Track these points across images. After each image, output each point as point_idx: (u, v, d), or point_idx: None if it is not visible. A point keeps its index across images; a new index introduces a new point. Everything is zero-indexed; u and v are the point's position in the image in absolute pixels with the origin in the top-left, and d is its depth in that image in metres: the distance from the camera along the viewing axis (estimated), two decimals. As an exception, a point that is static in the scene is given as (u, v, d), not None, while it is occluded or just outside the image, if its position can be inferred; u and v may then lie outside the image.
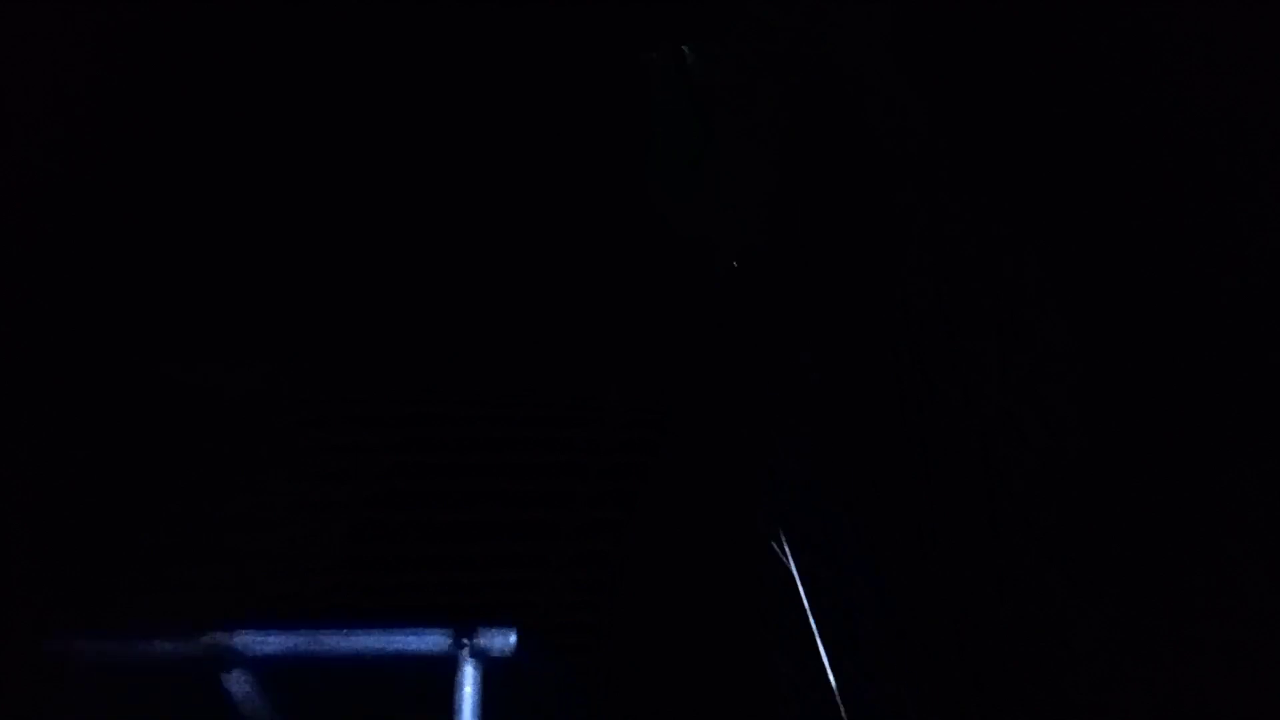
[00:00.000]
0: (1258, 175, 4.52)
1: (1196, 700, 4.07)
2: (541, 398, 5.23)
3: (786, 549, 4.77)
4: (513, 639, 2.04)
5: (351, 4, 5.31)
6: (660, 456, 5.02)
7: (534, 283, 5.28)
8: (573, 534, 4.87)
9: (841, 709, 4.24)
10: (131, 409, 5.09)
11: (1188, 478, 4.53)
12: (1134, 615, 4.34)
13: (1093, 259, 4.81)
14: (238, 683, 2.03)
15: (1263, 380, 4.53)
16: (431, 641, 2.06)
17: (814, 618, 4.46)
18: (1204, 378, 4.60)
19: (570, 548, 4.83)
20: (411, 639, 2.08)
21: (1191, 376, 4.62)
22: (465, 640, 2.04)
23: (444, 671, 2.02)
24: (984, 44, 4.98)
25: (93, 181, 5.21)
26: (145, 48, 5.23)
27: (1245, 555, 4.37)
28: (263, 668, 2.02)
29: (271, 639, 2.05)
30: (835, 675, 4.36)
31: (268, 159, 5.27)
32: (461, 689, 2.04)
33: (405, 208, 5.29)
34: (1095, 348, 4.76)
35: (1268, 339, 4.54)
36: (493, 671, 2.02)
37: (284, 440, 5.11)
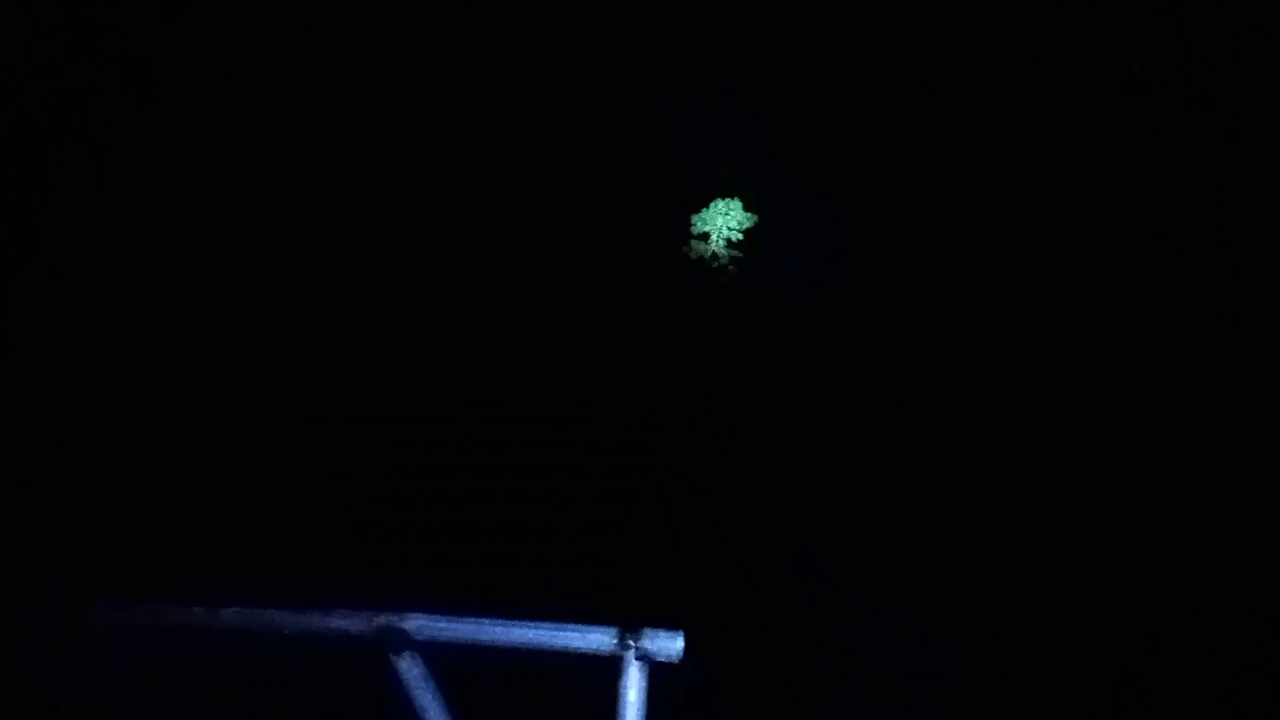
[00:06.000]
0: (1258, 175, 4.53)
1: (1196, 700, 4.07)
2: (541, 398, 5.22)
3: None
4: (679, 642, 2.00)
5: (353, 7, 5.31)
6: (661, 457, 5.02)
7: (534, 284, 5.27)
8: (573, 534, 4.87)
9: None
10: (130, 409, 5.08)
11: (1188, 477, 4.53)
12: (1134, 615, 4.34)
13: (1093, 259, 4.81)
14: (407, 664, 2.04)
15: (1263, 380, 4.53)
16: (596, 640, 2.02)
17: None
18: (1204, 377, 4.60)
19: (570, 548, 4.84)
20: (576, 636, 2.05)
21: (1191, 376, 4.62)
22: (630, 641, 2.01)
23: (608, 669, 2.00)
24: (985, 47, 4.99)
25: (93, 181, 5.21)
26: (145, 47, 5.23)
27: (1245, 555, 4.37)
28: (431, 652, 2.02)
29: (441, 625, 2.05)
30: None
31: (269, 160, 5.26)
32: (626, 691, 2.02)
33: (407, 211, 5.29)
34: (1095, 348, 4.76)
35: (1268, 339, 4.55)
36: (657, 673, 1.99)
37: (284, 440, 5.10)
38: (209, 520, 4.85)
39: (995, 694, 4.11)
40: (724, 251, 4.77)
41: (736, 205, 4.86)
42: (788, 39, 5.20)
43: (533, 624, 2.08)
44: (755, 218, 4.91)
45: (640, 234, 5.28)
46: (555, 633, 2.05)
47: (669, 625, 2.01)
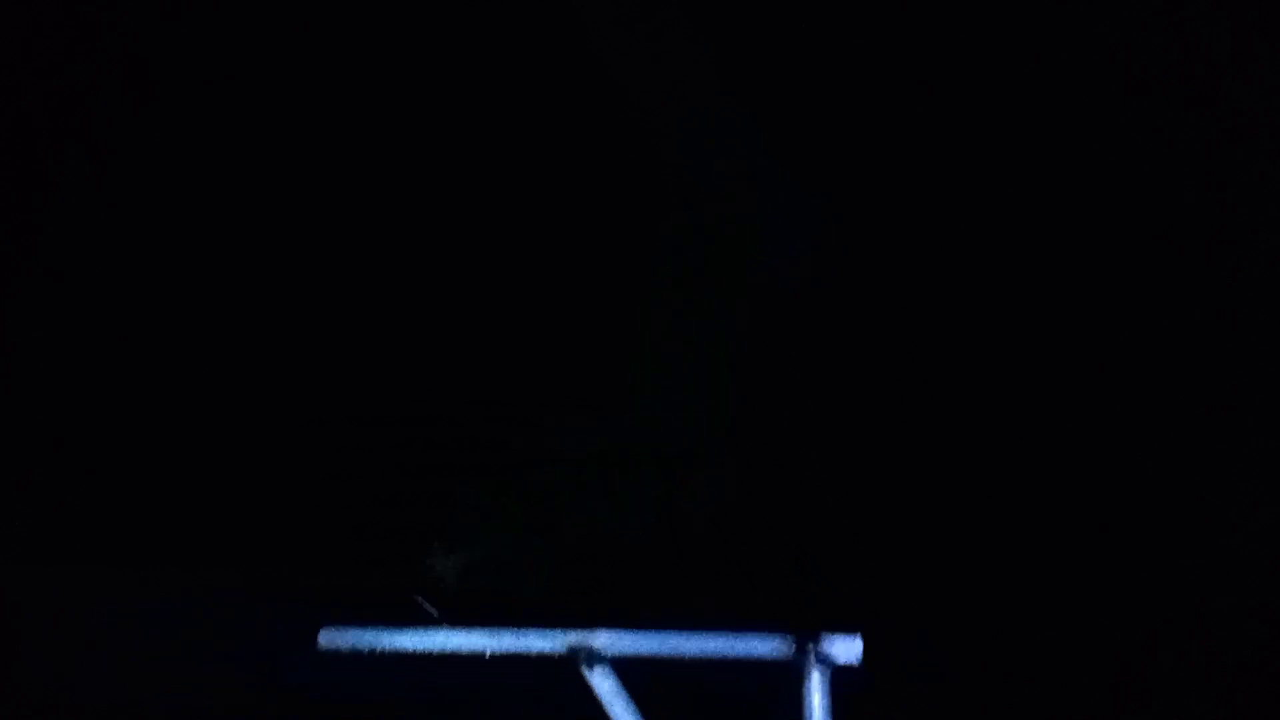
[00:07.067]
0: (1258, 175, 4.53)
1: (1196, 700, 4.08)
2: (540, 398, 5.22)
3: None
4: (858, 645, 2.05)
5: (353, 7, 5.31)
6: (666, 458, 5.02)
7: (535, 287, 5.27)
8: (572, 534, 4.87)
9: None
10: (130, 409, 5.08)
11: (1188, 477, 4.53)
12: (1134, 615, 4.34)
13: (1092, 258, 4.81)
14: (599, 678, 2.16)
15: (1263, 380, 4.53)
16: (775, 647, 2.09)
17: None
18: (1204, 377, 4.60)
19: (569, 548, 4.84)
20: (755, 643, 2.13)
21: (1192, 376, 4.62)
22: (809, 646, 2.06)
23: (789, 677, 2.06)
24: (985, 47, 4.99)
25: (93, 181, 5.20)
26: (145, 48, 5.22)
27: (1245, 555, 4.38)
28: (620, 665, 2.14)
29: (626, 639, 2.17)
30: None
31: (268, 160, 5.26)
32: (810, 696, 2.07)
33: (409, 209, 5.29)
34: (1095, 347, 4.76)
35: (1268, 339, 4.55)
36: (839, 678, 2.05)
37: (285, 440, 5.10)
38: (209, 520, 4.85)
39: (995, 694, 4.12)
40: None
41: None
42: (788, 39, 5.20)
43: (713, 634, 2.18)
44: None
45: (639, 234, 5.28)
46: (734, 642, 2.13)
47: (847, 628, 2.06)
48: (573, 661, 2.18)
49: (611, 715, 2.21)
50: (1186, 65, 4.70)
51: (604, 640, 2.19)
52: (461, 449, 5.14)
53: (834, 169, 5.12)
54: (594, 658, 2.19)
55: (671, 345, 5.18)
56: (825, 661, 2.03)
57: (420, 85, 5.30)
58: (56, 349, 5.09)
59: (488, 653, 2.28)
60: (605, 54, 5.34)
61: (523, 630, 2.23)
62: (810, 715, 2.08)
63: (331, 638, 2.38)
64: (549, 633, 2.20)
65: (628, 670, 2.19)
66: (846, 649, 2.05)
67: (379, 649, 2.32)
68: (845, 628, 2.03)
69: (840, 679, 2.00)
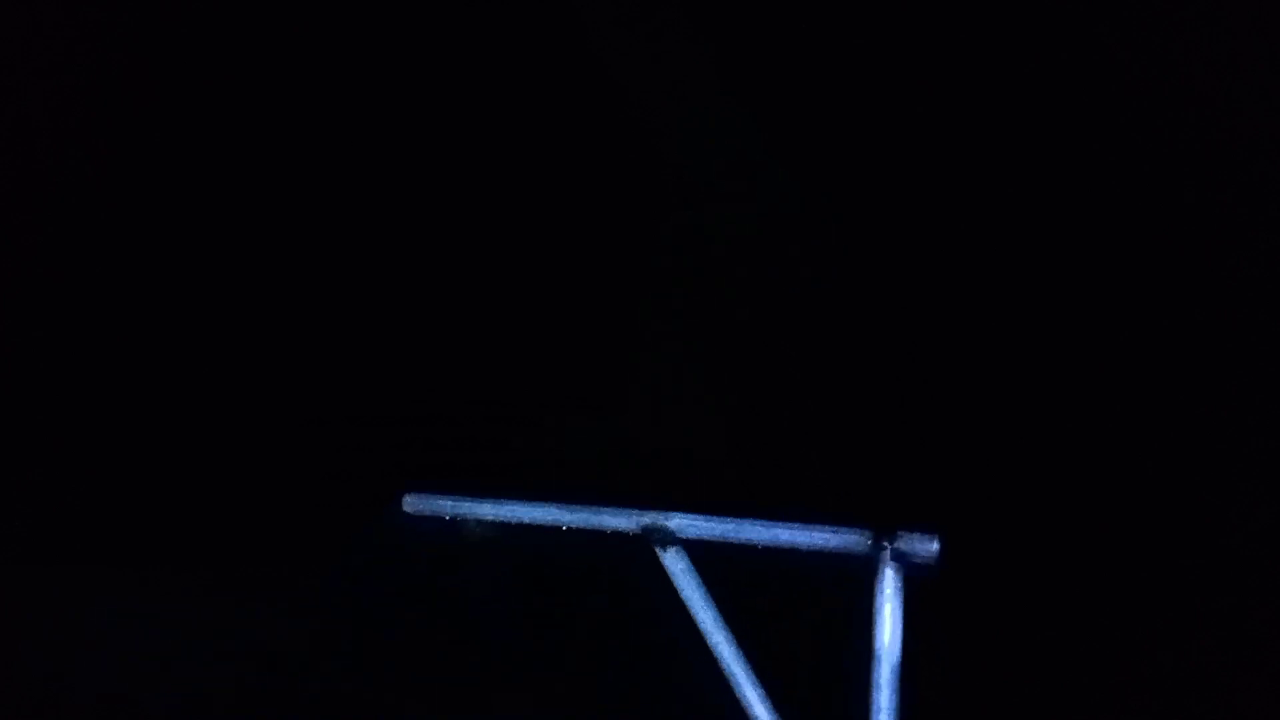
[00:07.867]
0: (1258, 175, 4.54)
1: (1197, 699, 4.08)
2: (540, 398, 5.23)
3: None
4: (935, 546, 2.05)
5: (353, 7, 5.32)
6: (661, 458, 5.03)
7: (531, 284, 5.28)
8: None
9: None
10: (130, 408, 5.09)
11: (1188, 477, 4.53)
12: (1134, 615, 4.35)
13: (1092, 258, 4.82)
14: (672, 558, 2.22)
15: (1263, 380, 4.54)
16: (849, 540, 2.10)
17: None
18: (1204, 377, 4.61)
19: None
20: (829, 536, 2.14)
21: (1192, 376, 4.63)
22: (885, 543, 2.06)
23: (861, 570, 2.08)
24: (985, 47, 5.00)
25: (93, 181, 5.21)
26: (145, 47, 5.23)
27: (1245, 555, 4.38)
28: (694, 548, 2.21)
29: (700, 523, 2.22)
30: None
31: (269, 159, 5.27)
32: (882, 593, 2.08)
33: (410, 209, 5.30)
34: (1095, 347, 4.77)
35: (1268, 339, 4.55)
36: (913, 576, 2.06)
37: (285, 440, 5.11)
38: (207, 520, 4.86)
39: (995, 694, 4.12)
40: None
41: None
42: (788, 39, 5.20)
43: (787, 524, 2.20)
44: None
45: (639, 234, 5.28)
46: (808, 533, 2.15)
47: (925, 528, 2.06)
48: (646, 541, 2.23)
49: (683, 596, 2.26)
50: (1186, 65, 4.71)
51: (679, 522, 2.24)
52: (461, 449, 5.15)
53: (833, 168, 5.12)
54: (668, 538, 2.24)
55: (672, 344, 5.18)
56: (901, 559, 2.03)
57: (421, 85, 5.31)
58: (56, 349, 5.09)
59: (564, 526, 2.34)
60: (605, 54, 5.35)
61: (599, 508, 2.28)
62: (881, 612, 2.08)
63: (415, 503, 2.44)
64: (624, 511, 2.25)
65: (701, 555, 2.24)
66: (923, 548, 2.05)
67: (459, 516, 2.38)
68: (924, 527, 2.02)
69: (914, 578, 1.99)
